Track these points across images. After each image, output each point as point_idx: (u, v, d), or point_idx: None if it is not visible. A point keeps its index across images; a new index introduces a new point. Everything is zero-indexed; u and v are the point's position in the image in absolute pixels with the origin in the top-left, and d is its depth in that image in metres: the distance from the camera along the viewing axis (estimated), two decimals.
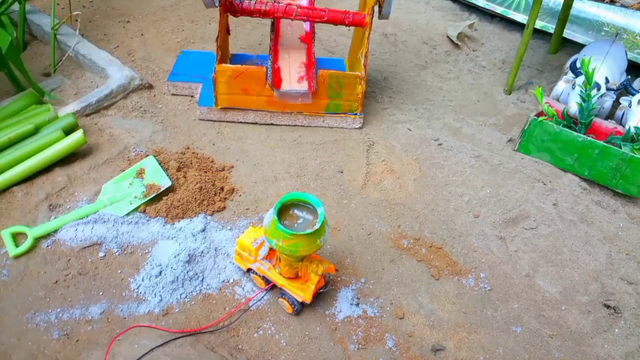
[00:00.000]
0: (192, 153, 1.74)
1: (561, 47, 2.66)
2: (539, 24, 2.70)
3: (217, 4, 1.76)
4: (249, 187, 1.65)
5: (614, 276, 1.51)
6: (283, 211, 1.17)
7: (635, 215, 1.75)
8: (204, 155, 1.75)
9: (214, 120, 1.91)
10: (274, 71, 1.87)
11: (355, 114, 1.93)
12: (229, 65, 1.81)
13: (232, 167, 1.72)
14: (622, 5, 2.53)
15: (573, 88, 1.93)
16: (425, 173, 1.80)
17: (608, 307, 1.42)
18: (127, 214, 1.48)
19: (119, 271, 1.35)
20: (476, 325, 1.33)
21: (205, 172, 1.66)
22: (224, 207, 1.57)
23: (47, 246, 1.38)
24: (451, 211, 1.66)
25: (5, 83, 1.89)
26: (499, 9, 2.84)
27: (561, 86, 2.09)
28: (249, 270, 1.34)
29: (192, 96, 2.01)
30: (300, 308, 1.27)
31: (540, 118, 1.85)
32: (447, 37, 2.68)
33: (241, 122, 1.92)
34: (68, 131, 1.67)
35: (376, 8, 1.79)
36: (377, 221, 1.59)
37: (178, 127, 1.86)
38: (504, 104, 2.26)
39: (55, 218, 1.46)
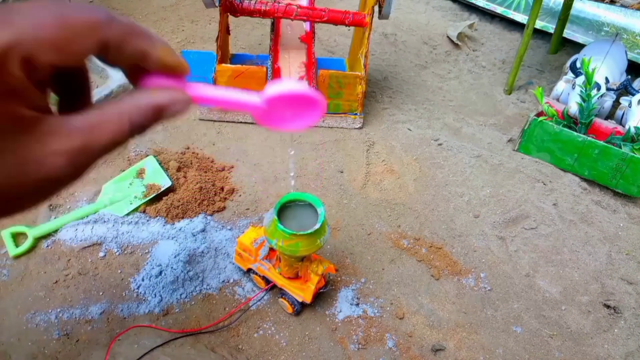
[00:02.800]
0: (192, 153, 1.74)
1: (561, 47, 2.66)
2: (539, 24, 2.70)
3: (217, 4, 1.76)
4: (249, 187, 1.65)
5: (614, 276, 1.51)
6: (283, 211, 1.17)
7: (635, 215, 1.75)
8: (204, 155, 1.74)
9: (214, 120, 1.91)
10: (274, 71, 1.87)
11: (355, 114, 1.93)
12: (229, 65, 1.81)
13: (232, 167, 1.72)
14: (622, 5, 2.53)
15: (573, 88, 1.93)
16: (425, 173, 1.80)
17: (608, 307, 1.42)
18: (127, 214, 1.48)
19: (119, 271, 1.35)
20: (476, 325, 1.33)
21: (205, 172, 1.66)
22: (224, 207, 1.57)
23: (47, 246, 1.38)
24: (451, 211, 1.66)
25: None
26: (499, 9, 2.84)
27: (561, 86, 2.09)
28: (249, 270, 1.34)
29: None
30: (300, 308, 1.27)
31: (540, 118, 1.85)
32: (447, 37, 2.68)
33: (241, 122, 1.92)
34: None
35: (376, 8, 1.79)
36: (377, 221, 1.59)
37: (178, 127, 1.86)
38: (504, 104, 2.26)
39: (55, 218, 1.46)
